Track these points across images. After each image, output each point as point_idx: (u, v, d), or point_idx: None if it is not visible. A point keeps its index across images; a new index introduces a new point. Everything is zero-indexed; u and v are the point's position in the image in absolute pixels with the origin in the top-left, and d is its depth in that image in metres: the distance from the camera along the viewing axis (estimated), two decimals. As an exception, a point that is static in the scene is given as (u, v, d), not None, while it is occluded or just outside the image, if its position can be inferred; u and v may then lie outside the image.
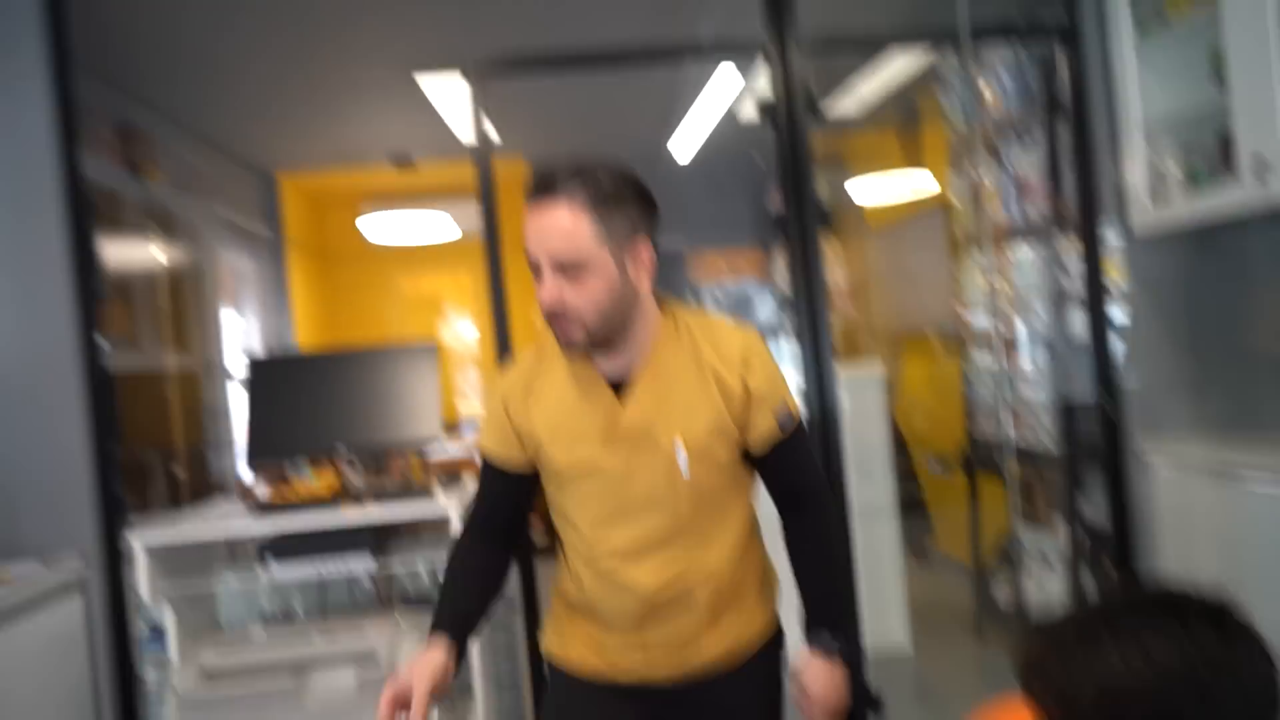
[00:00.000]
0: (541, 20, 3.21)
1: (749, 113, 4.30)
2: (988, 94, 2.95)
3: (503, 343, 2.44)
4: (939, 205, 4.07)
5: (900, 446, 3.94)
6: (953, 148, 3.39)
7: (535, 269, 1.24)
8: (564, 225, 1.19)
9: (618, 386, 1.32)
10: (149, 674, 2.32)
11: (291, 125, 4.45)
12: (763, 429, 1.34)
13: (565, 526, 1.40)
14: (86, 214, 2.39)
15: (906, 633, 3.37)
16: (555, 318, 1.24)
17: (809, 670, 1.35)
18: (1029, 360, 3.06)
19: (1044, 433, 2.94)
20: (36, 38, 2.30)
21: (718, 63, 3.47)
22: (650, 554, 1.32)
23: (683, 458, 1.29)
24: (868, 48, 3.02)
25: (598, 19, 3.25)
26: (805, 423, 2.47)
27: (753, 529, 1.46)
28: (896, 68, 3.54)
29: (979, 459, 3.33)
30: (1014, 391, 3.09)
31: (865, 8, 2.93)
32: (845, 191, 4.76)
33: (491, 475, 1.41)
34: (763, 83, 2.51)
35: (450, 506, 2.12)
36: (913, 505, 4.11)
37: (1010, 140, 3.00)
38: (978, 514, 3.48)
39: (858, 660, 1.40)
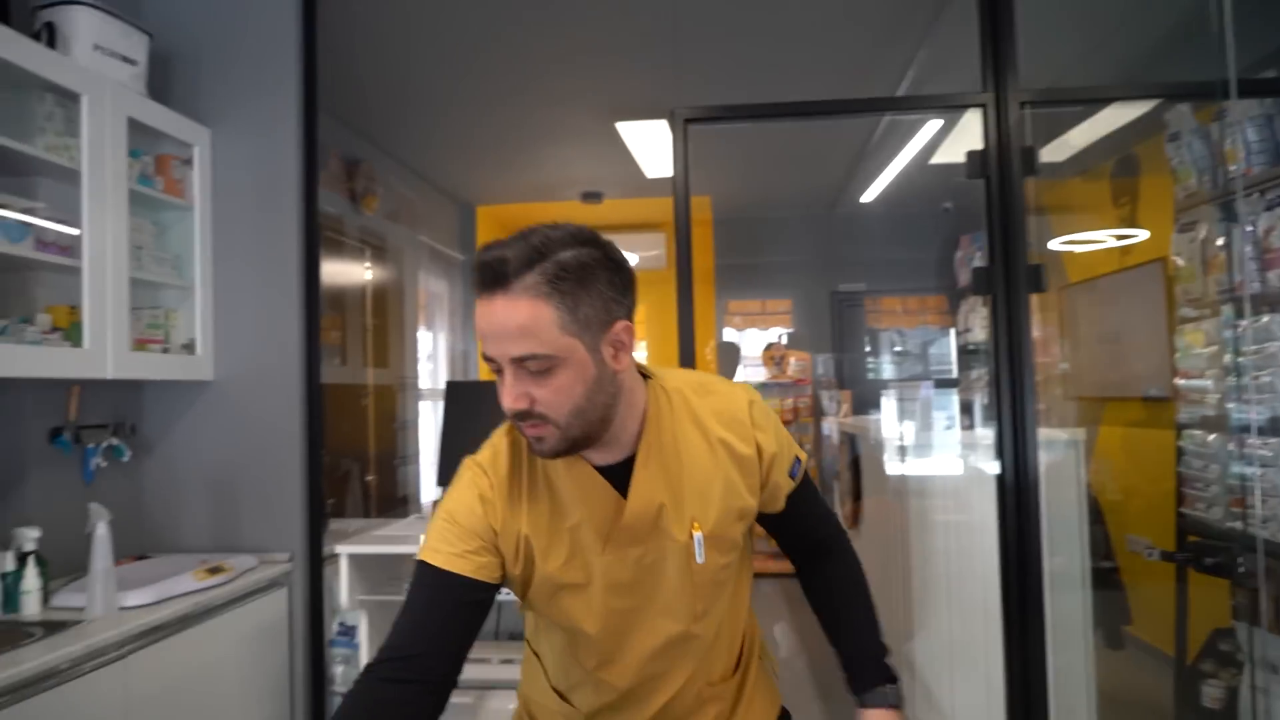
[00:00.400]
0: (737, 70, 3.26)
1: (943, 156, 4.16)
2: (1227, 147, 2.70)
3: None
4: (1155, 262, 3.77)
5: (1094, 516, 3.64)
6: (1179, 203, 3.12)
7: (495, 368, 1.04)
8: (521, 320, 0.98)
9: (611, 477, 1.13)
10: (336, 669, 2.48)
11: (494, 163, 4.72)
12: (780, 488, 1.23)
13: (558, 638, 1.21)
14: (317, 240, 2.62)
15: (1093, 719, 3.11)
16: (523, 421, 1.04)
17: None
18: (1262, 439, 2.76)
19: (1276, 522, 2.63)
20: (293, 83, 2.56)
21: (920, 114, 3.39)
22: (665, 658, 1.18)
23: (699, 542, 1.13)
24: (1097, 101, 2.85)
25: (789, 68, 3.26)
26: (1002, 483, 2.35)
27: (750, 607, 1.33)
28: (1114, 116, 3.33)
29: (1195, 547, 3.02)
30: (1243, 473, 2.79)
31: (1084, 58, 2.79)
32: (1044, 241, 4.50)
33: (440, 594, 1.08)
34: (971, 129, 2.43)
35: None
36: (1106, 581, 3.78)
37: (1252, 198, 2.74)
38: (1186, 603, 3.15)
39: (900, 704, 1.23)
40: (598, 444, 1.10)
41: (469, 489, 1.13)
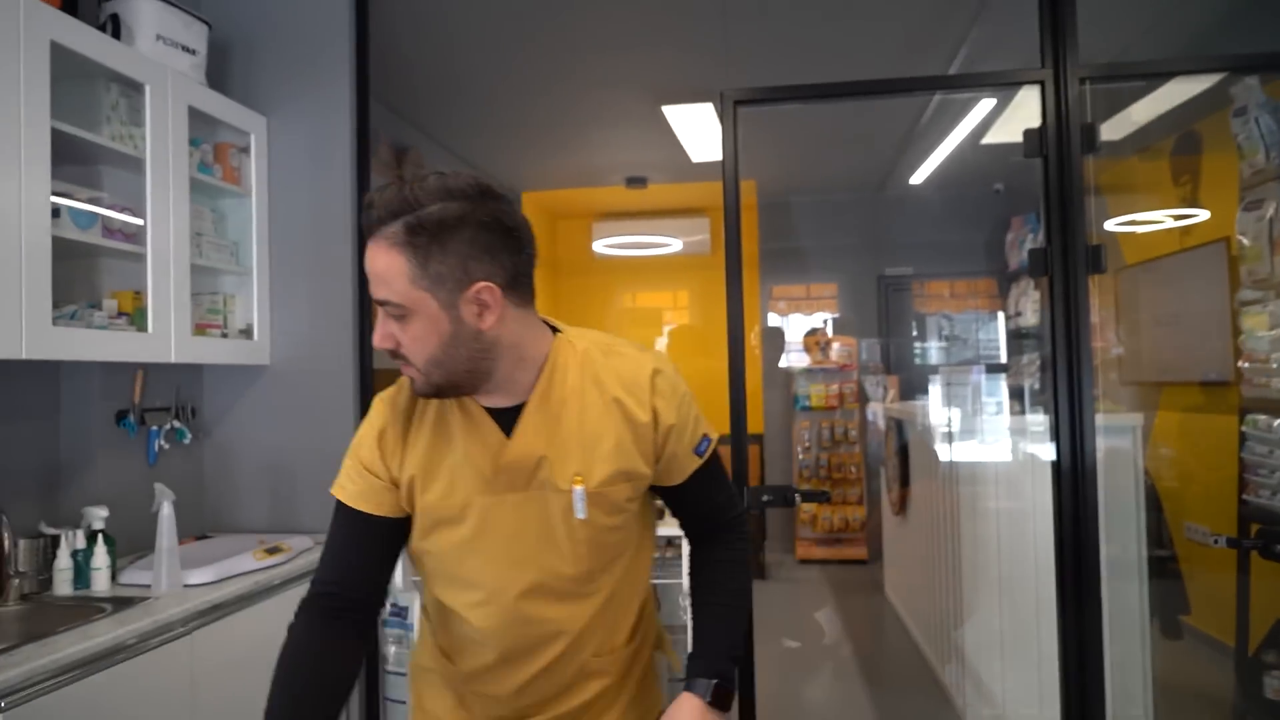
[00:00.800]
0: (784, 50, 3.21)
1: (995, 136, 4.08)
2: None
3: (736, 356, 2.44)
4: (1217, 242, 3.66)
5: (1152, 503, 3.57)
6: (1244, 180, 3.02)
7: None
8: (379, 267, 1.03)
9: (502, 419, 1.14)
10: (390, 648, 2.53)
11: (539, 148, 4.74)
12: (681, 462, 1.19)
13: (436, 586, 1.20)
14: (370, 227, 2.65)
15: (1149, 712, 3.05)
16: (395, 359, 1.10)
17: (679, 710, 1.15)
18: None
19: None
20: (346, 71, 2.59)
21: (975, 92, 3.32)
22: (543, 617, 1.15)
23: (579, 497, 1.12)
24: (1161, 76, 2.77)
25: (838, 47, 3.21)
26: (1057, 469, 2.30)
27: (649, 585, 1.28)
28: (1176, 91, 3.23)
29: (1263, 534, 2.95)
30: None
31: (1146, 30, 2.70)
32: (1101, 221, 4.40)
33: (352, 529, 1.16)
34: (1026, 107, 2.37)
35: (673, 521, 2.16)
36: (1164, 570, 3.70)
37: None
38: (1248, 592, 3.08)
39: (727, 708, 1.17)
40: (484, 390, 1.12)
41: (371, 425, 1.18)
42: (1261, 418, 2.96)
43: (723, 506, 1.28)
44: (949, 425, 3.59)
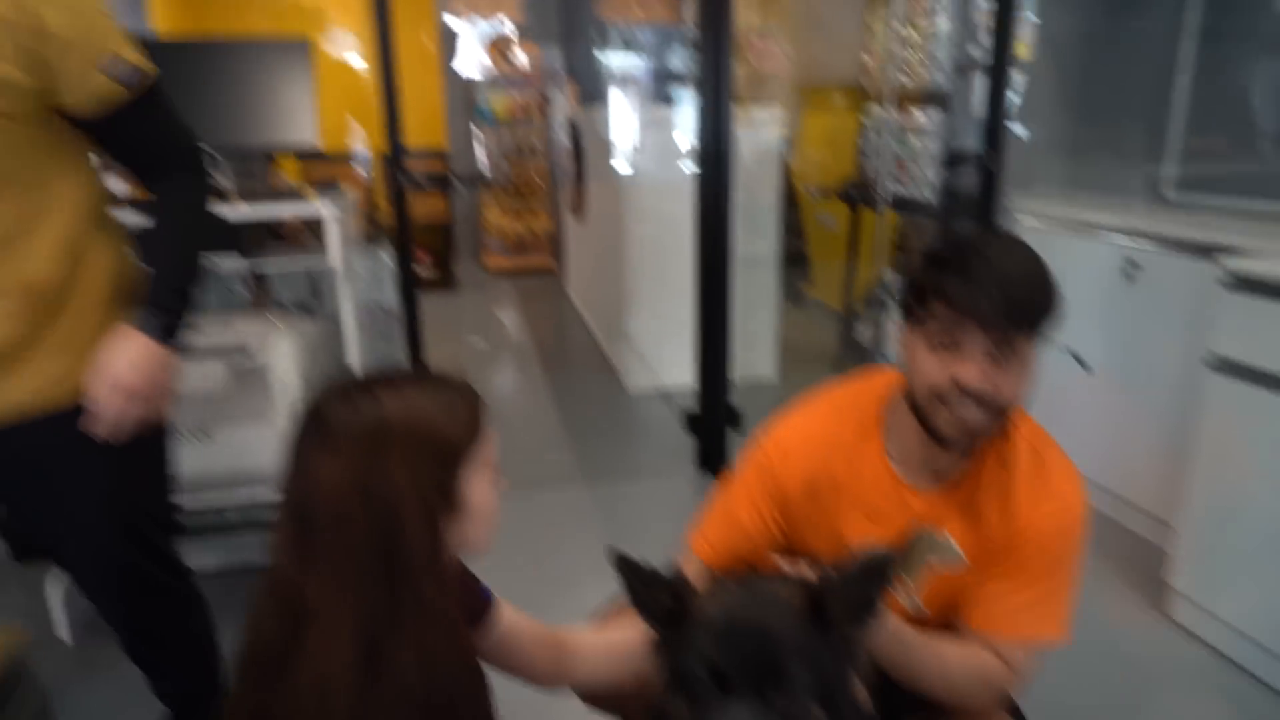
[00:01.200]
0: None
1: None
2: None
3: (386, 66, 2.27)
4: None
5: (791, 201, 4.01)
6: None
7: None
8: None
9: None
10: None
11: None
12: (84, 84, 1.08)
13: None
14: None
15: (774, 366, 3.64)
16: None
17: (117, 344, 1.11)
18: (925, 115, 3.09)
19: (927, 184, 3.04)
20: None
21: None
22: None
23: None
24: None
25: None
26: (701, 165, 2.44)
27: (98, 224, 1.18)
28: None
29: (860, 198, 3.45)
30: (905, 143, 3.14)
31: None
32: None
33: None
34: None
35: (324, 210, 2.07)
36: (796, 258, 4.27)
37: None
38: (854, 263, 3.65)
39: (178, 344, 1.17)
40: None
41: None
42: (875, 107, 3.36)
43: (170, 146, 1.19)
44: (625, 132, 3.67)
